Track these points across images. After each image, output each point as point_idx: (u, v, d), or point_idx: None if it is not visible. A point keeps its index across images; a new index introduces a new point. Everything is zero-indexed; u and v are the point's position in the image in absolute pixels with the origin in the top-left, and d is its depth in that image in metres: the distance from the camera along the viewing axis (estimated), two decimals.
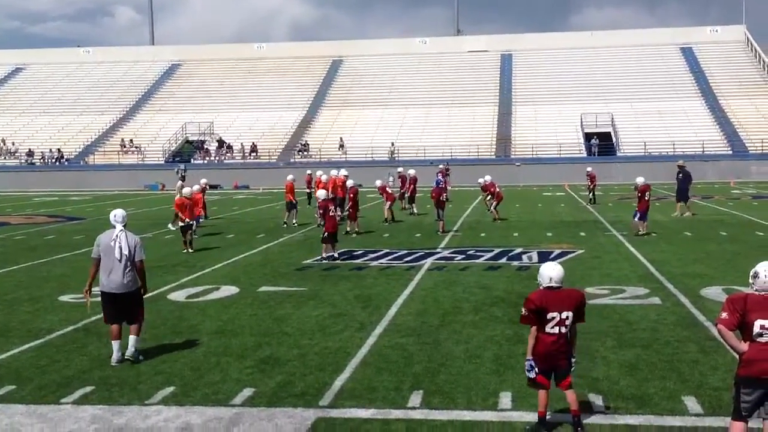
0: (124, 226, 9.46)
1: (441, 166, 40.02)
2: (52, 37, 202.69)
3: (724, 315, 5.97)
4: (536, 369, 6.84)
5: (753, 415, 6.04)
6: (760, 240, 20.39)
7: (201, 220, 24.46)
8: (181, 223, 20.01)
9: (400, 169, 33.83)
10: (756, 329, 5.89)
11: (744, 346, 5.97)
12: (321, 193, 19.66)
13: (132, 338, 9.40)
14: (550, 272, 6.95)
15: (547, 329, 6.84)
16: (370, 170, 55.60)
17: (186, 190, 20.54)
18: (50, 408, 7.88)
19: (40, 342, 10.59)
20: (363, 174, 52.31)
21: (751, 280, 6.01)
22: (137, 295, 9.50)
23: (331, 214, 18.41)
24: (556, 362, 6.88)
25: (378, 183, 28.60)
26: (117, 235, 9.30)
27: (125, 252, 9.25)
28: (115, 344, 9.32)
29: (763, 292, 5.94)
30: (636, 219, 21.55)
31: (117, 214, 9.48)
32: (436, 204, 23.61)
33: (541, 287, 6.96)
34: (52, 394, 8.29)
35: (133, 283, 9.38)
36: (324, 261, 17.64)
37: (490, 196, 28.01)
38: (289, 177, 26.41)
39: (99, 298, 9.56)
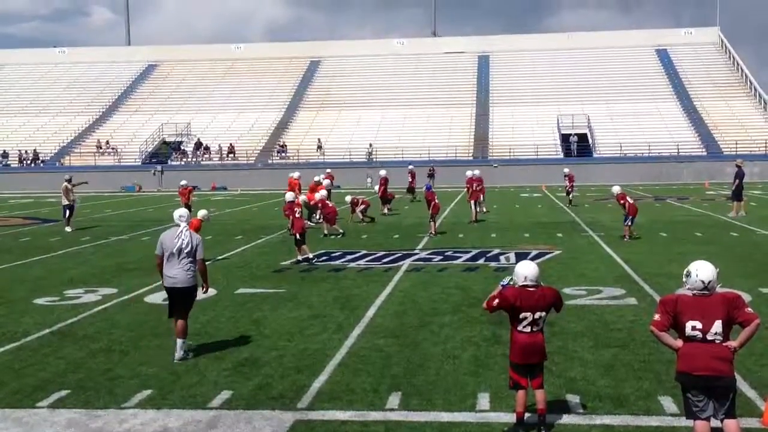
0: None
1: (368, 173, 35.44)
2: (28, 37, 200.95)
3: (657, 317, 6.06)
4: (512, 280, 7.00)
5: (706, 413, 6.00)
6: (734, 241, 20.59)
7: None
8: None
9: (382, 172, 33.57)
10: (688, 331, 5.96)
11: (678, 343, 6.06)
12: (289, 195, 19.25)
13: (179, 342, 9.67)
14: (525, 271, 6.98)
15: (520, 328, 6.94)
16: (349, 171, 55.69)
17: (202, 213, 17.73)
18: (26, 412, 7.80)
19: (15, 345, 10.48)
20: (341, 175, 52.39)
21: (684, 279, 6.05)
22: (194, 291, 9.94)
23: (297, 215, 18.46)
24: (531, 359, 6.95)
25: (348, 198, 28.56)
26: (182, 231, 9.73)
27: (191, 247, 9.71)
28: (180, 342, 9.65)
29: (695, 292, 5.98)
30: (627, 223, 21.15)
31: (183, 214, 9.97)
32: (431, 207, 23.57)
33: (516, 286, 6.99)
34: (27, 398, 8.21)
35: (193, 278, 9.79)
36: (302, 262, 17.60)
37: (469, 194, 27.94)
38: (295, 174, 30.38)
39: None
